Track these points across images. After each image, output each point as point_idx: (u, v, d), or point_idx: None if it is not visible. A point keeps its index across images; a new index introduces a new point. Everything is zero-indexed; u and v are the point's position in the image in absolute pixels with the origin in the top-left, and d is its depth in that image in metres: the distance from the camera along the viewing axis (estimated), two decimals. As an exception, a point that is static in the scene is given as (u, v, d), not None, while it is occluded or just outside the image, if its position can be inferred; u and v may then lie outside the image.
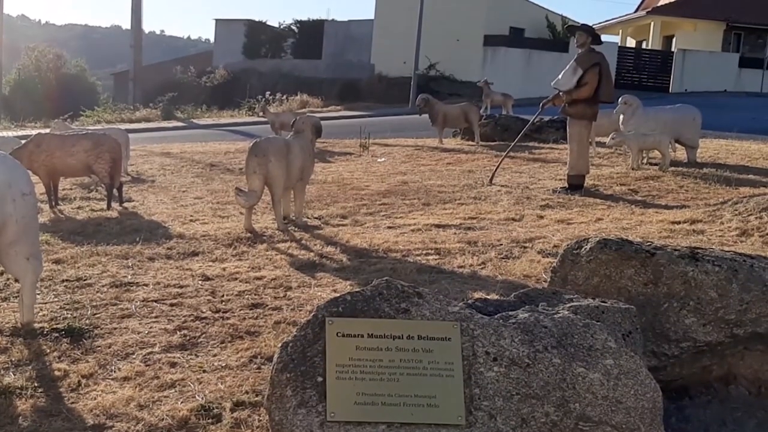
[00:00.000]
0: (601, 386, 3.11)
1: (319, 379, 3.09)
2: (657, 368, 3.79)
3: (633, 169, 11.53)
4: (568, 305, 3.47)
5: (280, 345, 3.27)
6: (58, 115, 22.66)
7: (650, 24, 42.27)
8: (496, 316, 3.31)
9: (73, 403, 3.92)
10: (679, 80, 37.34)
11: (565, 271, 4.20)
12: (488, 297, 3.97)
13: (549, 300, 3.60)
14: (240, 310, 5.39)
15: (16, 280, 5.18)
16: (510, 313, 3.36)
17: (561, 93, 10.32)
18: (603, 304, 3.52)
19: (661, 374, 3.78)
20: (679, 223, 7.82)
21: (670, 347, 3.84)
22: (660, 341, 3.85)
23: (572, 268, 4.17)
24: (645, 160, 12.12)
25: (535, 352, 3.14)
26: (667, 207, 8.96)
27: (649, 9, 42.81)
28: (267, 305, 5.49)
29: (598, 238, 4.18)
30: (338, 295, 3.42)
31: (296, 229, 8.17)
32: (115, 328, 5.00)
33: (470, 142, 16.85)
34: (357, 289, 3.44)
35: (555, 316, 3.33)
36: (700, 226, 7.65)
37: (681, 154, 12.64)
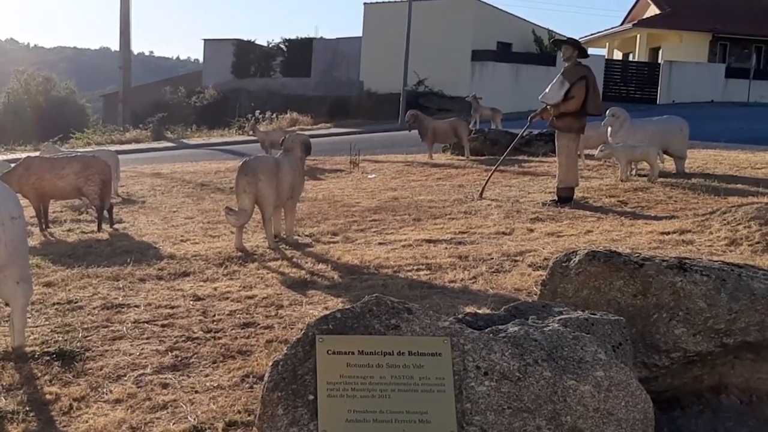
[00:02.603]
0: (592, 398, 3.12)
1: (311, 397, 3.09)
2: (648, 379, 3.80)
3: (622, 180, 11.57)
4: (558, 318, 3.48)
5: (270, 364, 3.27)
6: (48, 138, 22.64)
7: (636, 36, 42.55)
8: (486, 330, 3.32)
9: (64, 426, 3.91)
10: (666, 91, 37.54)
11: (554, 284, 4.21)
12: (479, 311, 3.97)
13: (539, 313, 3.61)
14: (231, 329, 5.38)
15: (7, 304, 5.16)
16: (500, 326, 3.37)
17: (548, 106, 10.36)
18: (592, 316, 3.53)
19: (653, 385, 3.79)
20: (668, 233, 7.84)
21: (661, 358, 3.84)
22: (650, 352, 3.86)
23: (561, 281, 4.18)
24: (634, 172, 12.17)
25: (526, 366, 3.14)
26: (656, 218, 9.00)
27: (635, 21, 43.12)
28: (258, 324, 5.49)
29: (586, 251, 4.19)
30: (329, 312, 3.42)
31: (287, 247, 8.17)
32: (107, 350, 4.99)
33: (460, 157, 16.90)
34: (347, 306, 3.44)
35: (545, 329, 3.34)
36: (690, 236, 7.68)
37: (669, 164, 12.69)
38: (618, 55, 45.86)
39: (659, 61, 40.17)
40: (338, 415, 3.06)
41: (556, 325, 3.38)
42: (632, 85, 39.12)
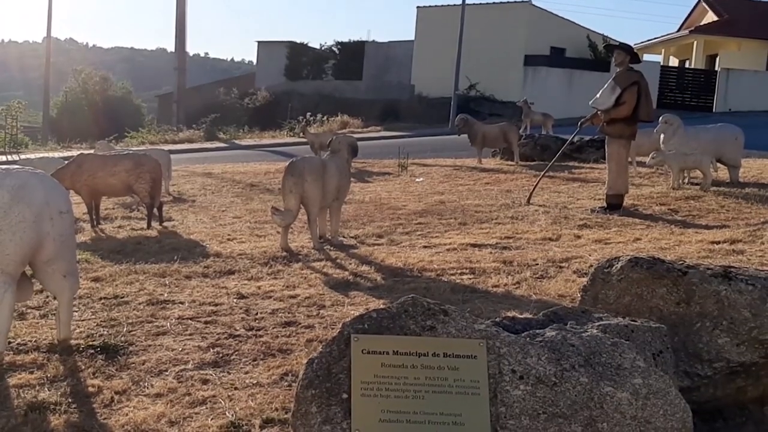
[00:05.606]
0: (630, 406, 3.07)
1: (344, 395, 3.10)
2: (690, 389, 3.73)
3: (673, 188, 11.40)
4: (597, 324, 3.44)
5: (305, 361, 3.28)
6: (103, 137, 23.08)
7: (693, 43, 41.84)
8: (523, 334, 3.29)
9: (105, 419, 3.97)
10: (723, 100, 36.87)
11: (595, 290, 4.16)
12: (518, 315, 3.93)
13: (578, 319, 3.57)
14: (273, 328, 5.42)
15: (54, 298, 5.26)
16: (537, 331, 3.34)
17: (599, 112, 10.24)
18: (633, 323, 3.48)
19: (695, 395, 3.71)
20: (718, 243, 7.69)
21: (703, 367, 3.77)
22: (693, 361, 3.79)
23: (603, 287, 4.12)
24: (686, 180, 11.97)
25: (562, 371, 3.11)
26: (707, 227, 8.83)
27: (692, 28, 42.37)
28: (300, 323, 5.52)
29: (629, 257, 4.13)
30: (365, 312, 3.43)
31: (332, 248, 8.20)
32: (150, 345, 5.06)
33: (509, 162, 16.82)
34: (383, 306, 3.44)
35: (583, 334, 3.30)
36: (740, 246, 7.52)
37: (723, 173, 12.46)
38: (674, 62, 45.13)
39: (716, 68, 39.45)
40: (371, 414, 3.05)
41: (595, 331, 3.34)
42: (688, 92, 38.51)
